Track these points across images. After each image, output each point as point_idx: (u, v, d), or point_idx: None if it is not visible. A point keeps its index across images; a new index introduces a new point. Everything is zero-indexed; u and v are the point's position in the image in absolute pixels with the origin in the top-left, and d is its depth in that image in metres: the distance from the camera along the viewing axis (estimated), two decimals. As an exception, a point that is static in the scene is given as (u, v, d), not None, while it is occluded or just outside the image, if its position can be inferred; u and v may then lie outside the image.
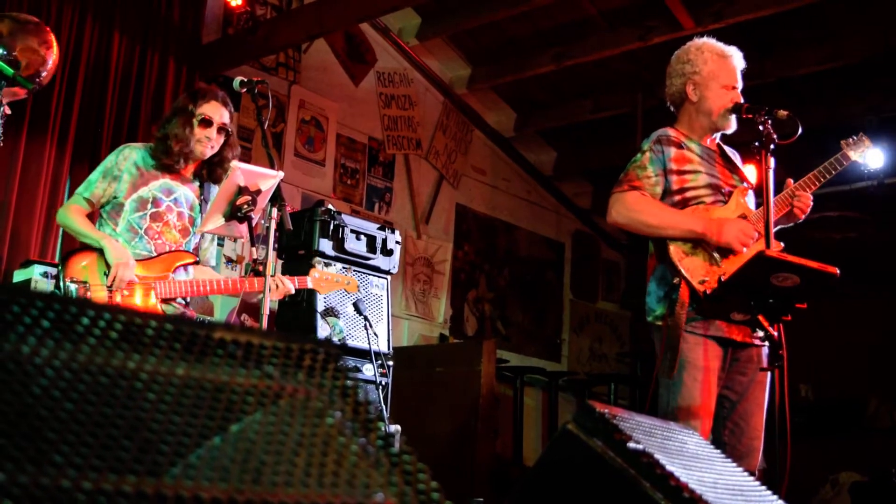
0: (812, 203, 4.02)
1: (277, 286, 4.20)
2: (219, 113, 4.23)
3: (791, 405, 3.55)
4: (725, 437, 3.81)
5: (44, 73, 3.95)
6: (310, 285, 4.40)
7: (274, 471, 0.96)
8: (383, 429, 1.20)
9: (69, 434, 0.87)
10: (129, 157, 4.24)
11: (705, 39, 4.12)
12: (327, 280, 4.47)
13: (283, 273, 5.93)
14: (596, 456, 1.64)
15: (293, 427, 1.06)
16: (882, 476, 7.68)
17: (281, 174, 3.99)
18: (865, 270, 9.28)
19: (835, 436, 8.77)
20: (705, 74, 4.00)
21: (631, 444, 1.63)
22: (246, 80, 4.28)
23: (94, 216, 4.32)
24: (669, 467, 1.61)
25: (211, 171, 4.34)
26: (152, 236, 4.16)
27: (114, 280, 3.95)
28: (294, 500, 0.93)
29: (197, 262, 4.30)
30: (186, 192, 4.28)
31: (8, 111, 4.16)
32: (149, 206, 4.17)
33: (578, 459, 1.68)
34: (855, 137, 4.11)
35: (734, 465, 2.08)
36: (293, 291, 4.30)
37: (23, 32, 3.94)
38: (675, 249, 3.80)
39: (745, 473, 2.06)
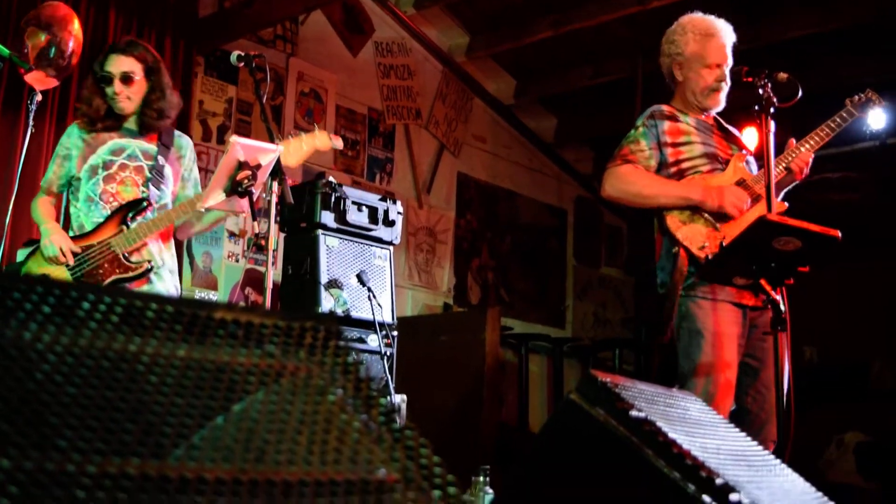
0: (811, 161, 4.01)
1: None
2: (116, 64, 4.12)
3: (796, 368, 3.57)
4: (748, 404, 3.83)
5: (64, 58, 3.95)
6: (276, 151, 3.94)
7: (277, 449, 0.97)
8: (388, 400, 1.21)
9: (72, 419, 0.88)
10: (73, 132, 4.21)
11: (692, 16, 4.12)
12: (292, 151, 4.15)
13: (286, 245, 5.95)
14: (598, 425, 1.65)
15: (295, 405, 1.07)
16: (887, 436, 7.72)
17: (281, 148, 3.98)
18: (867, 232, 9.26)
19: (839, 398, 8.78)
20: (688, 55, 4.02)
21: (633, 413, 1.64)
22: (243, 54, 4.24)
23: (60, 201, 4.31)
24: (672, 435, 1.62)
25: (140, 119, 4.23)
26: (107, 200, 4.10)
27: (51, 254, 3.96)
28: (297, 478, 0.94)
29: (150, 205, 4.16)
30: (140, 144, 4.21)
31: (40, 98, 4.16)
32: (100, 170, 4.13)
33: (581, 429, 1.69)
34: (861, 94, 4.08)
35: (737, 430, 2.10)
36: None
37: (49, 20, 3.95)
38: (671, 219, 3.82)
39: (749, 439, 2.07)
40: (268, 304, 3.91)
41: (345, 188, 5.82)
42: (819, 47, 8.17)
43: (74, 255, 4.01)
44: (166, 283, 4.21)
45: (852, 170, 8.86)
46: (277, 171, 3.96)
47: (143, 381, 1.00)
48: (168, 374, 1.02)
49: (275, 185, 3.95)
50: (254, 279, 7.51)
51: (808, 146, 3.96)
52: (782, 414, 3.41)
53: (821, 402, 8.31)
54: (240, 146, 3.89)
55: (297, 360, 1.16)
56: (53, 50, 4.04)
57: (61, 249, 3.97)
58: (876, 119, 4.86)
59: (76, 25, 4.08)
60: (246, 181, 3.88)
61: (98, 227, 4.08)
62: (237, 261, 7.50)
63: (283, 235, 6.05)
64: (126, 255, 4.04)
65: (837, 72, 8.42)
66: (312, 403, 1.10)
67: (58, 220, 4.31)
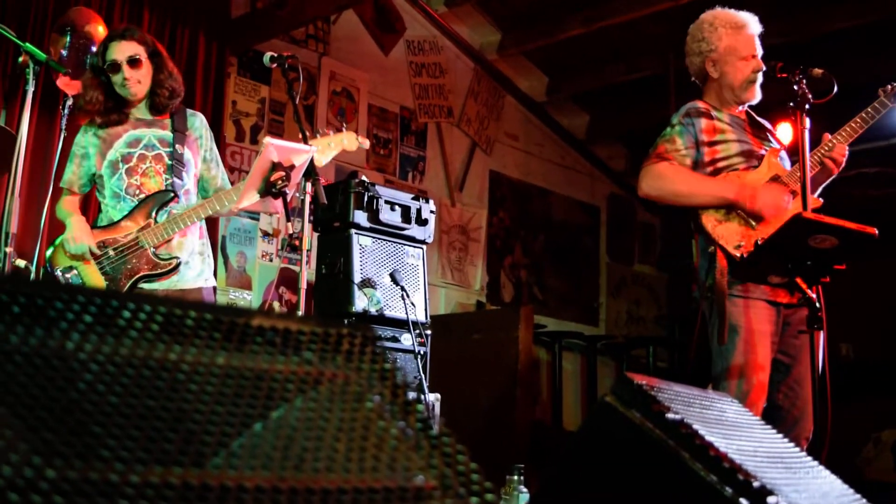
0: (847, 154, 3.98)
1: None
2: (120, 50, 4.11)
3: (832, 365, 3.55)
4: (780, 401, 3.82)
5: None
6: (310, 152, 3.99)
7: (315, 457, 0.98)
8: (422, 400, 1.22)
9: (115, 428, 0.89)
10: (87, 131, 4.22)
11: (717, 11, 4.10)
12: (320, 150, 4.20)
13: (320, 244, 5.98)
14: (634, 427, 1.65)
15: (333, 412, 1.07)
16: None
17: (314, 149, 4.00)
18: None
19: (877, 395, 8.69)
20: (722, 50, 3.99)
21: (669, 415, 1.63)
22: (276, 55, 4.27)
23: (88, 200, 4.35)
24: (708, 437, 1.62)
25: (150, 102, 4.23)
26: (133, 193, 4.12)
27: (75, 248, 4.00)
28: (336, 485, 0.94)
29: (176, 196, 4.17)
30: (155, 132, 4.21)
31: (71, 103, 4.20)
32: (120, 165, 4.14)
33: (617, 431, 1.69)
34: (894, 84, 4.04)
35: (774, 431, 2.09)
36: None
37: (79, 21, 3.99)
38: (707, 218, 3.81)
39: (786, 440, 2.06)
40: (302, 303, 3.93)
41: (377, 187, 5.83)
42: (854, 41, 8.09)
43: (102, 246, 4.04)
44: (194, 267, 4.24)
45: (889, 165, 8.77)
46: (311, 172, 3.98)
47: (184, 389, 1.01)
48: (208, 381, 1.03)
49: (308, 185, 3.98)
50: (288, 278, 7.55)
51: (840, 138, 3.93)
52: (819, 412, 3.39)
53: (858, 399, 8.25)
54: (273, 147, 3.91)
55: (334, 367, 1.17)
56: (81, 53, 4.07)
57: (84, 253, 4.02)
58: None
59: (101, 29, 4.11)
60: (280, 182, 3.90)
61: (126, 218, 4.10)
62: (271, 260, 7.54)
63: (316, 235, 6.08)
64: (154, 250, 4.07)
65: (873, 66, 8.34)
66: (350, 410, 1.11)
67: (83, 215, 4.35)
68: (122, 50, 4.12)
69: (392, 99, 8.74)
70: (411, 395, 1.18)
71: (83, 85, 4.21)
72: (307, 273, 4.01)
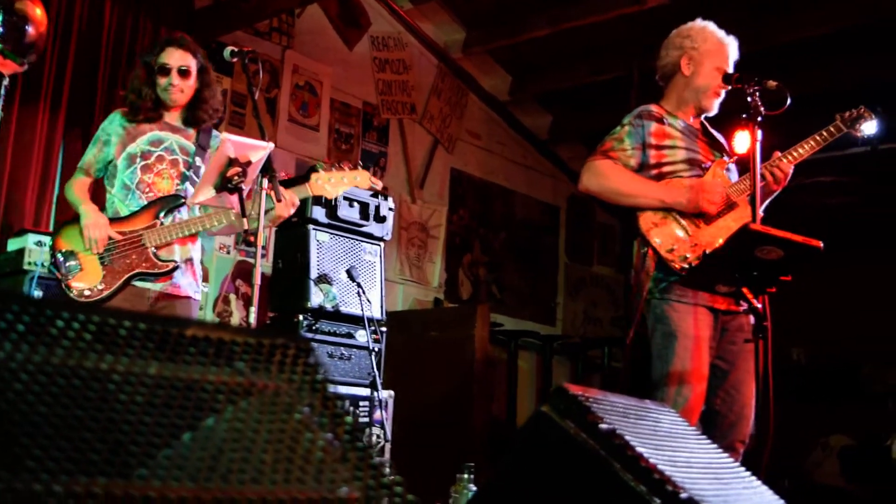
0: (790, 174, 4.03)
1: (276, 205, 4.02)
2: (175, 57, 4.22)
3: (783, 369, 3.62)
4: (717, 406, 3.88)
5: (29, 46, 3.95)
6: (312, 192, 4.25)
7: (241, 468, 1.00)
8: (351, 412, 1.24)
9: (43, 438, 0.91)
10: (115, 119, 4.28)
11: (707, 23, 4.16)
12: (332, 182, 4.26)
13: (277, 239, 5.99)
14: (569, 437, 1.69)
15: (262, 423, 1.09)
16: (871, 440, 7.77)
17: (271, 145, 4.01)
18: (859, 235, 9.32)
19: (827, 400, 8.84)
20: (703, 51, 4.05)
21: (602, 426, 1.67)
22: (237, 49, 4.29)
23: (100, 188, 4.36)
24: (640, 448, 1.65)
25: (190, 113, 4.33)
26: (143, 190, 4.17)
27: (89, 242, 4.01)
28: (261, 496, 0.97)
29: (183, 203, 4.24)
30: (178, 139, 4.29)
31: (7, 83, 4.18)
32: (138, 160, 4.20)
33: (552, 441, 1.72)
34: (853, 110, 4.10)
35: (708, 442, 2.13)
36: (297, 203, 4.20)
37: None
38: (644, 220, 3.88)
39: (719, 451, 2.10)
40: (255, 299, 3.94)
41: (336, 183, 5.83)
42: (819, 48, 8.20)
43: (109, 238, 4.07)
44: (188, 275, 4.26)
45: (845, 174, 8.89)
46: (268, 168, 3.99)
47: (114, 399, 1.03)
48: (138, 391, 1.05)
49: (265, 181, 3.99)
50: (245, 271, 7.53)
51: (790, 158, 4.00)
52: (763, 418, 3.44)
53: (808, 403, 8.38)
54: (230, 143, 3.92)
55: (266, 378, 1.19)
56: (14, 32, 4.03)
57: (99, 239, 4.03)
58: (868, 125, 4.86)
59: (38, 11, 4.08)
60: (236, 178, 3.92)
61: (134, 215, 4.14)
62: (228, 252, 7.52)
63: (273, 230, 6.08)
64: (155, 250, 4.09)
65: (837, 73, 8.46)
66: (279, 421, 1.13)
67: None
68: (177, 57, 4.22)
69: (355, 94, 8.73)
70: (341, 406, 1.21)
71: (135, 80, 4.28)
72: (263, 267, 4.03)
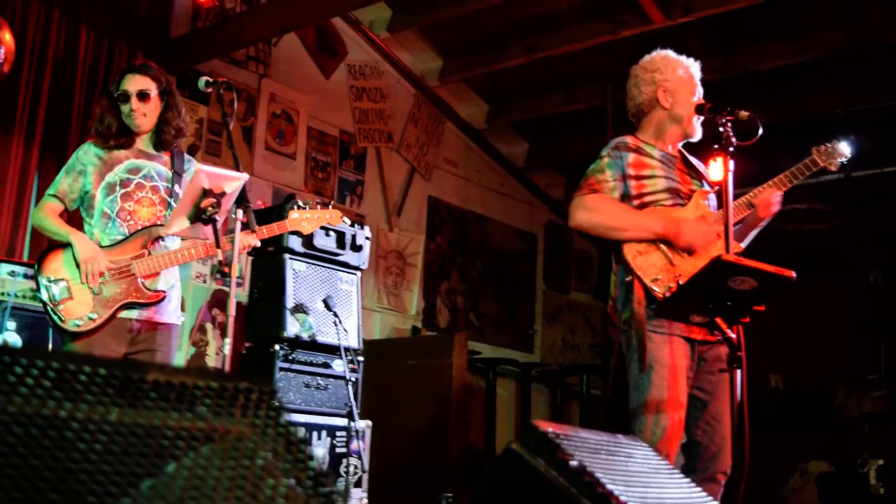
0: (780, 200, 4.04)
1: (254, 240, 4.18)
2: (133, 83, 4.23)
3: (761, 396, 3.61)
4: (698, 437, 3.86)
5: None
6: (290, 228, 4.39)
7: (201, 517, 0.99)
8: (315, 456, 1.23)
9: (-5, 489, 0.89)
10: (89, 150, 4.27)
11: (666, 52, 4.18)
12: (307, 218, 4.43)
13: (253, 268, 5.96)
14: (539, 475, 1.68)
15: (223, 470, 1.08)
16: (848, 466, 7.78)
17: (245, 176, 4.00)
18: (834, 261, 9.38)
19: (804, 426, 8.84)
20: (675, 81, 4.07)
21: (572, 463, 1.66)
22: (211, 79, 4.31)
23: (73, 217, 4.34)
24: (610, 486, 1.65)
25: (156, 136, 4.33)
26: (124, 218, 4.17)
27: (86, 276, 4.00)
28: (221, 545, 0.95)
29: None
30: (155, 166, 4.30)
31: None
32: (117, 188, 4.20)
33: (522, 478, 1.71)
34: (828, 145, 4.12)
35: (680, 476, 2.12)
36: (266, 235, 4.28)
37: None
38: (628, 249, 3.87)
39: (692, 485, 2.10)
40: (230, 330, 3.92)
41: (312, 213, 5.82)
42: (791, 77, 8.28)
43: None
44: (173, 301, 4.27)
45: (819, 201, 8.96)
46: (242, 199, 3.99)
47: (72, 447, 1.01)
48: (97, 439, 1.04)
49: (240, 212, 3.98)
50: (221, 300, 7.50)
51: (770, 185, 4.02)
52: (738, 447, 3.44)
53: (786, 430, 8.39)
54: (204, 174, 3.91)
55: (228, 422, 1.18)
56: None
57: (97, 273, 4.02)
58: (841, 159, 4.90)
59: (7, 36, 4.08)
60: (210, 209, 3.90)
61: (121, 244, 4.13)
62: (205, 281, 7.49)
63: (249, 259, 6.06)
64: (143, 280, 4.08)
65: (808, 102, 8.54)
66: (241, 467, 1.12)
67: None
68: (135, 83, 4.23)
69: (332, 122, 8.74)
70: (305, 450, 1.19)
71: (99, 109, 4.32)
72: (238, 296, 4.02)
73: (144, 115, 4.24)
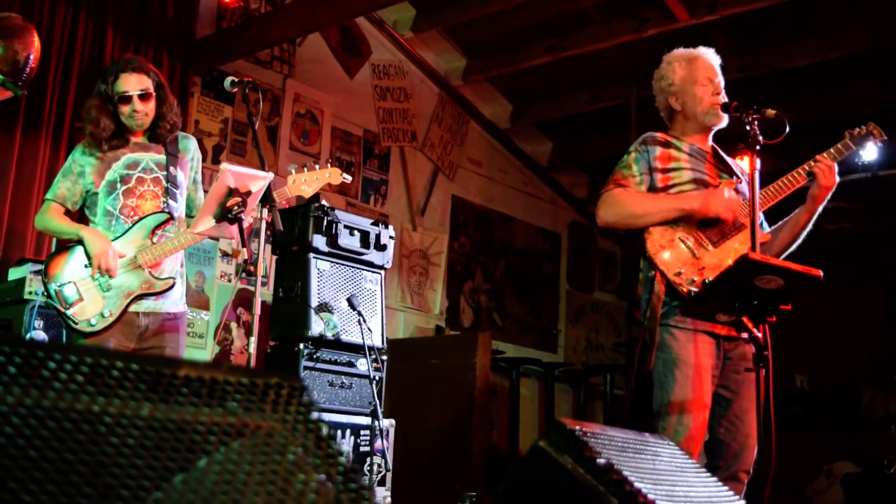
0: (836, 171, 3.97)
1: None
2: (132, 83, 4.18)
3: (787, 396, 3.59)
4: (721, 435, 3.85)
5: (24, 74, 3.96)
6: (290, 194, 4.32)
7: (233, 511, 0.99)
8: (344, 453, 1.23)
9: (32, 483, 0.90)
10: (86, 150, 4.27)
11: (673, 51, 4.19)
12: (307, 181, 4.35)
13: (278, 267, 5.98)
14: (566, 472, 1.67)
15: (254, 465, 1.09)
16: (874, 467, 7.72)
17: (271, 176, 4.01)
18: (860, 260, 9.31)
19: (830, 426, 8.78)
20: (679, 82, 4.07)
21: (600, 461, 1.66)
22: (237, 79, 4.30)
23: (76, 218, 4.36)
24: (638, 483, 1.64)
25: (152, 132, 4.32)
26: (128, 214, 4.18)
27: (99, 270, 4.01)
28: (252, 539, 0.96)
29: (171, 218, 4.26)
30: (151, 156, 4.29)
31: None
32: (118, 185, 4.20)
33: (549, 476, 1.71)
34: (862, 127, 4.07)
35: (707, 475, 2.12)
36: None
37: (5, 31, 3.94)
38: (651, 242, 3.86)
39: (718, 483, 2.09)
40: (255, 328, 3.94)
41: (337, 212, 5.83)
42: (818, 76, 8.23)
43: None
44: (177, 289, 4.28)
45: (844, 200, 8.89)
46: (268, 198, 3.99)
47: (105, 441, 1.02)
48: (129, 434, 1.05)
49: (265, 211, 3.99)
50: (246, 299, 7.53)
51: (826, 156, 3.97)
52: (765, 446, 3.42)
53: (812, 430, 8.34)
54: (230, 173, 3.92)
55: (259, 418, 1.19)
56: (20, 63, 4.03)
57: (113, 268, 4.04)
58: (868, 151, 4.86)
59: (35, 38, 4.09)
60: (236, 208, 3.92)
61: (124, 236, 4.15)
62: (229, 281, 7.52)
63: (274, 258, 6.08)
64: (150, 269, 4.10)
65: (835, 101, 8.49)
66: (271, 462, 1.12)
67: None
68: (133, 82, 4.18)
69: (356, 122, 8.77)
70: (335, 446, 1.20)
71: (91, 110, 4.24)
72: (263, 296, 4.04)
73: (147, 115, 4.23)
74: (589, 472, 1.65)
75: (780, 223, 4.12)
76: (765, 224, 4.11)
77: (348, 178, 4.60)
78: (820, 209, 4.03)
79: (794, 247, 4.11)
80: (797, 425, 8.02)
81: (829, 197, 3.99)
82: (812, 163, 3.96)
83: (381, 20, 8.78)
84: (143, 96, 4.20)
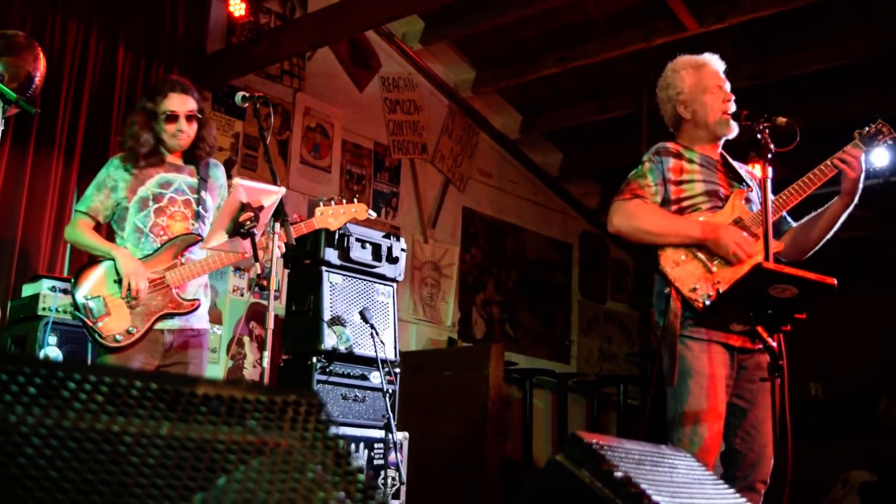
0: (862, 158, 3.94)
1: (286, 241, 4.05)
2: (179, 103, 4.23)
3: (801, 404, 3.57)
4: (737, 445, 3.82)
5: (30, 91, 3.98)
6: (317, 226, 4.42)
7: (254, 530, 0.99)
8: (364, 469, 1.23)
9: (53, 503, 0.91)
10: (118, 164, 4.29)
11: (678, 58, 4.16)
12: (333, 214, 4.44)
13: (290, 281, 5.99)
14: (584, 486, 1.67)
15: (273, 483, 1.09)
16: (891, 475, 7.69)
17: (283, 190, 4.02)
18: (873, 268, 9.27)
19: (846, 434, 8.75)
20: (688, 90, 4.05)
21: (617, 474, 1.65)
22: (248, 95, 4.32)
23: (103, 231, 4.38)
24: (656, 497, 1.64)
25: (190, 152, 4.36)
26: (157, 233, 4.21)
27: (128, 291, 4.03)
28: (273, 558, 0.96)
29: (198, 240, 4.27)
30: (185, 178, 4.33)
31: (1, 127, 4.20)
32: (150, 203, 4.23)
33: (567, 490, 1.71)
34: (871, 126, 4.02)
35: (724, 486, 2.11)
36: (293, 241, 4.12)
37: (10, 49, 3.97)
38: (665, 259, 3.84)
39: (736, 495, 2.08)
40: (269, 343, 3.95)
41: (348, 225, 5.84)
42: (826, 82, 8.21)
43: None
44: (202, 307, 4.30)
45: (858, 207, 8.86)
46: (280, 212, 4.00)
47: (125, 461, 1.02)
48: (149, 453, 1.05)
49: (277, 226, 4.00)
50: (258, 313, 7.54)
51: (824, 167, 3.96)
52: (781, 456, 3.40)
53: (827, 439, 8.31)
54: (242, 188, 3.93)
55: (277, 436, 1.19)
56: (28, 80, 4.05)
57: (143, 289, 4.06)
58: (879, 157, 4.83)
59: (41, 55, 4.11)
60: (248, 223, 3.92)
61: (153, 256, 4.17)
62: (242, 295, 7.54)
63: (286, 271, 6.09)
64: (177, 290, 4.13)
65: (843, 108, 8.47)
66: (291, 480, 1.12)
67: None
68: (182, 103, 4.24)
69: (366, 135, 8.78)
70: (354, 463, 1.20)
71: (133, 125, 4.28)
72: (276, 309, 4.05)
73: (189, 136, 4.29)
74: (607, 486, 1.65)
75: (812, 214, 4.07)
76: (788, 219, 4.09)
77: (373, 215, 4.73)
78: (856, 200, 4.00)
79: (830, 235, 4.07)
80: (812, 434, 7.99)
81: (860, 188, 3.96)
82: (836, 157, 3.93)
83: (390, 33, 8.80)
84: (190, 117, 4.25)
